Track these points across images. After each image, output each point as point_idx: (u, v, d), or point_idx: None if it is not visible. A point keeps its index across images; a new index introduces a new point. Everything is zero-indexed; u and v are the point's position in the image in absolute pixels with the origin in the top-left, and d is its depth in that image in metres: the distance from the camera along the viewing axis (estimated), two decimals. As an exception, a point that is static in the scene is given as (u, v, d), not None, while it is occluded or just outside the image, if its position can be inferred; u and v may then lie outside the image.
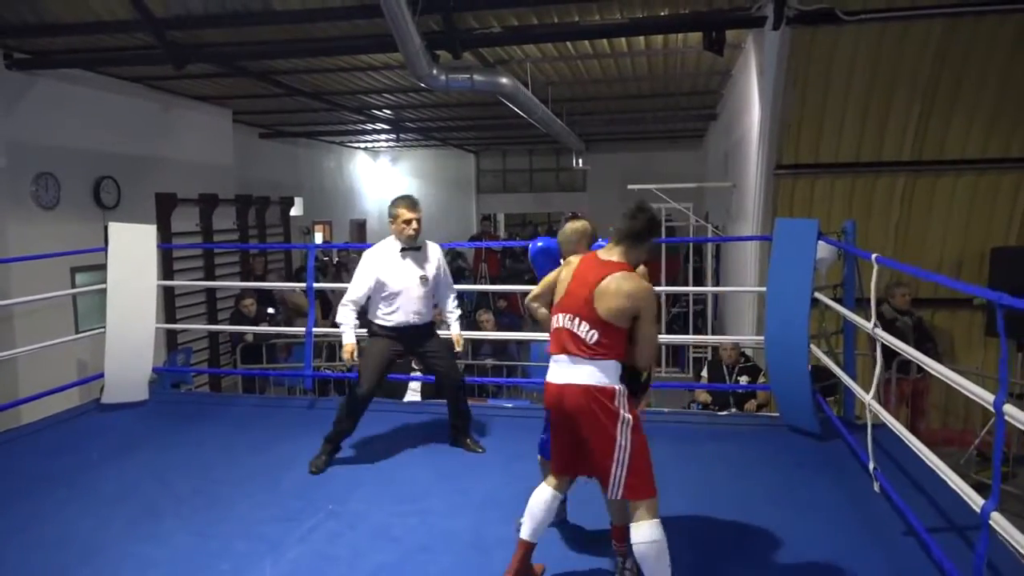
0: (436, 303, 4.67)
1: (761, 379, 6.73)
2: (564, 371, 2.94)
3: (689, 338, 11.30)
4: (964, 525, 3.32)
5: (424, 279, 4.47)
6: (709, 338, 9.92)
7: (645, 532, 2.83)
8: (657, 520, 2.85)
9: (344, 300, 4.47)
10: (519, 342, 8.56)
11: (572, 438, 2.96)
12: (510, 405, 5.96)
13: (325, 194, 16.58)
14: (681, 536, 3.43)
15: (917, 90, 6.57)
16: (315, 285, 5.92)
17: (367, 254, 4.51)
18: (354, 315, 4.47)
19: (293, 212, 13.84)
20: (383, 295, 4.43)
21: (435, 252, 4.60)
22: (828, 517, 3.61)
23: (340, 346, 4.57)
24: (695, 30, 6.84)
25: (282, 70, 8.86)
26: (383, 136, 15.87)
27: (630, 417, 2.87)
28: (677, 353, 11.89)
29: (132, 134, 9.04)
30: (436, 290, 4.60)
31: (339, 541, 3.48)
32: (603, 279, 2.90)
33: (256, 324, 8.51)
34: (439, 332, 4.69)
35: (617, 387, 2.88)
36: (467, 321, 13.27)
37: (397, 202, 4.46)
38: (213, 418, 5.34)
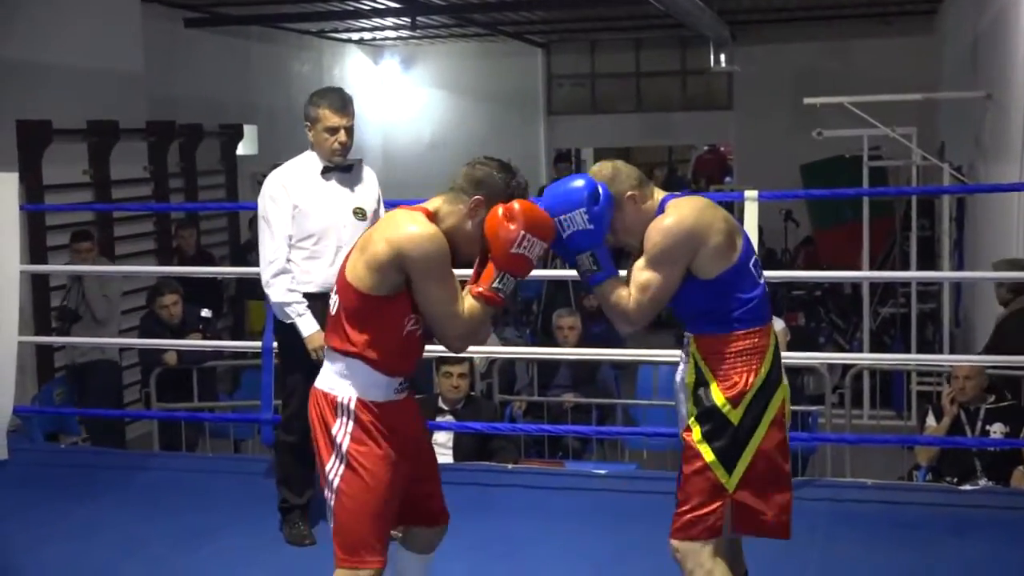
0: None
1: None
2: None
3: (910, 358, 11.04)
4: None
5: (360, 212, 4.69)
6: (945, 357, 9.71)
7: None
8: None
9: (266, 267, 4.63)
10: (618, 366, 8.47)
11: None
12: (603, 472, 5.97)
13: (294, 119, 16.56)
14: None
15: None
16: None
17: (272, 178, 4.78)
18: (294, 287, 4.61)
19: (241, 150, 13.94)
20: (299, 241, 4.63)
21: (372, 178, 4.92)
22: None
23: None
24: None
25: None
26: (389, 20, 15.89)
27: (346, 450, 3.04)
28: (888, 385, 11.66)
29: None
30: None
31: None
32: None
33: (182, 335, 8.62)
34: None
35: (341, 396, 3.07)
36: (534, 328, 13.09)
37: (318, 100, 4.87)
38: (112, 492, 5.42)
